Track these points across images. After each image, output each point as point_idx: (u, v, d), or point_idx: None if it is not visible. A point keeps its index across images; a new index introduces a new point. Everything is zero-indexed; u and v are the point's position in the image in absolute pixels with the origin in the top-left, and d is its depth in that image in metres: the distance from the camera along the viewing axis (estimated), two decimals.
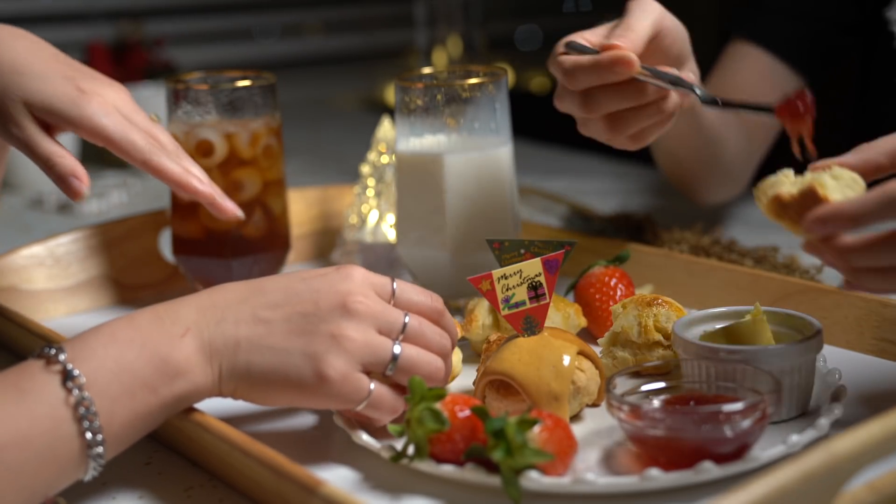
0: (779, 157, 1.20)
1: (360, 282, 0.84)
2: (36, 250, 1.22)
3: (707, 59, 1.31)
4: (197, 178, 1.01)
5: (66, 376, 0.75)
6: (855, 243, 0.82)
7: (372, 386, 0.82)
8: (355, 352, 0.81)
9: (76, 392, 0.75)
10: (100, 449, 0.76)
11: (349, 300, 0.83)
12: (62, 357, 0.76)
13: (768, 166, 1.35)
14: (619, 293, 1.06)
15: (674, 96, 1.03)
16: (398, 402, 0.84)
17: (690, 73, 1.07)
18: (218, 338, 0.81)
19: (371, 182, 1.31)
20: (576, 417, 0.89)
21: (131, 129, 0.99)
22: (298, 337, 0.81)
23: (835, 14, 1.42)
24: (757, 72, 1.42)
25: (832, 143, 0.87)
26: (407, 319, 0.84)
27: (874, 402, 0.91)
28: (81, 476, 0.77)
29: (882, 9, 1.39)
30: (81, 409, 0.75)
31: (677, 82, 1.00)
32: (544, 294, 0.89)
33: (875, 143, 0.88)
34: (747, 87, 1.37)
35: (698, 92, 1.01)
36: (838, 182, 0.85)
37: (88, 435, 0.75)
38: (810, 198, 0.84)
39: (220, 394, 0.83)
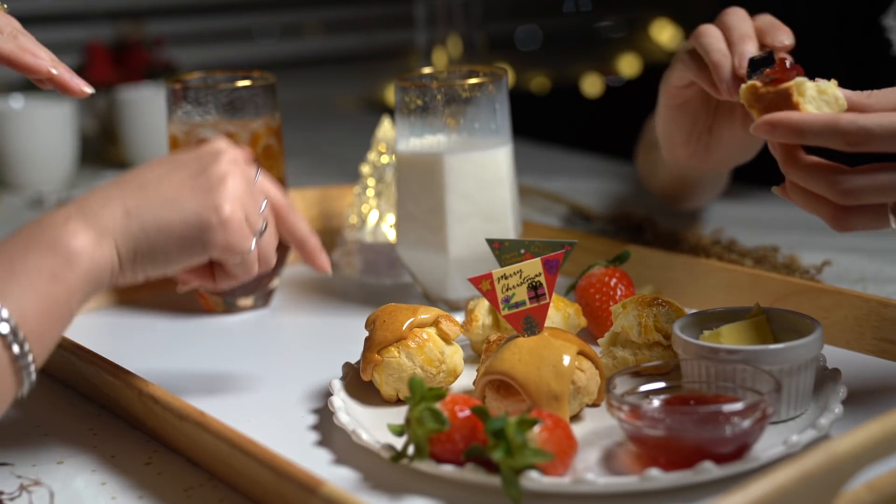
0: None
1: (229, 146, 0.90)
2: None
3: None
4: (32, 54, 0.96)
5: None
6: (797, 159, 0.87)
7: (253, 242, 0.89)
8: (240, 195, 0.87)
9: None
10: (25, 347, 0.76)
11: (225, 153, 0.89)
12: None
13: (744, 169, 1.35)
14: (619, 293, 1.06)
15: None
16: (253, 270, 0.91)
17: None
18: (105, 214, 0.83)
19: (371, 182, 1.31)
20: (576, 417, 0.89)
21: None
22: (186, 185, 0.86)
23: (817, 30, 1.41)
24: None
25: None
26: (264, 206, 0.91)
27: (874, 402, 0.91)
28: (24, 382, 0.77)
29: (878, 16, 1.38)
30: None
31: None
32: (544, 294, 0.89)
33: (882, 91, 0.88)
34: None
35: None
36: (820, 95, 0.87)
37: (4, 328, 0.76)
38: (783, 98, 0.87)
39: (123, 273, 0.84)
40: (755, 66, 0.95)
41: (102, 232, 0.82)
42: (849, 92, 0.88)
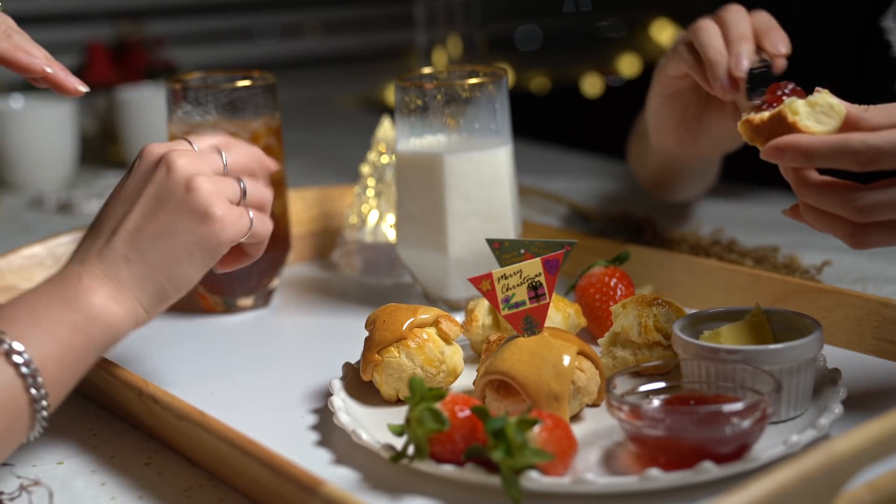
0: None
1: (157, 148, 0.90)
2: (36, 250, 1.22)
3: None
4: (26, 52, 0.95)
5: None
6: (810, 180, 0.87)
7: (251, 213, 0.90)
8: (210, 186, 0.87)
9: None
10: (42, 392, 0.78)
11: (166, 157, 0.88)
12: None
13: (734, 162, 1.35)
14: (619, 293, 1.06)
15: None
16: (268, 227, 0.93)
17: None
18: (110, 269, 0.85)
19: (371, 182, 1.31)
20: (576, 417, 0.89)
21: None
22: (164, 208, 0.87)
23: (814, 32, 1.40)
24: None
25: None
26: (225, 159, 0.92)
27: (874, 402, 0.91)
28: (36, 426, 0.79)
29: (877, 18, 1.38)
30: (15, 357, 0.77)
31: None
32: (544, 294, 0.89)
33: (879, 106, 0.87)
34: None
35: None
36: (813, 109, 0.87)
37: (24, 370, 0.77)
38: (779, 122, 0.87)
39: (149, 315, 0.86)
40: (754, 81, 0.96)
41: (118, 285, 0.84)
42: (846, 104, 0.88)
